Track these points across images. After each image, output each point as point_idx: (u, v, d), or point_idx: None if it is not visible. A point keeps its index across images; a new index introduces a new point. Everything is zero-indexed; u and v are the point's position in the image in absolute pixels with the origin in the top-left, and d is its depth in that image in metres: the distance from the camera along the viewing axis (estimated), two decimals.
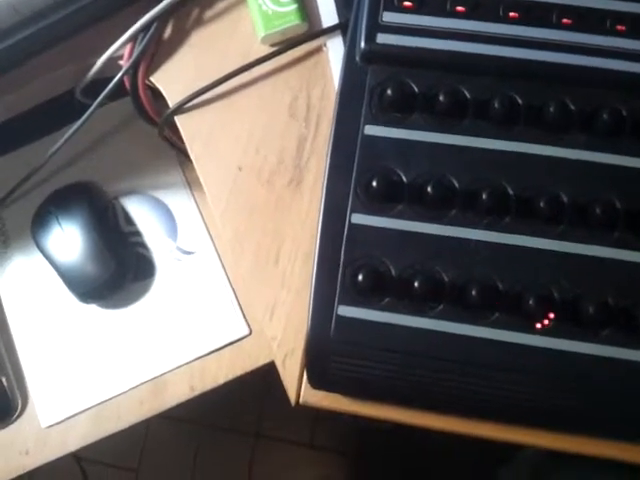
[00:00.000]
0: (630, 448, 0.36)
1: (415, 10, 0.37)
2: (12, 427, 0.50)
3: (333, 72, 0.43)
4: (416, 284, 0.35)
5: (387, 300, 0.35)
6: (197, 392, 0.50)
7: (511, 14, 0.36)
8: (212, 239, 0.53)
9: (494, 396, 0.35)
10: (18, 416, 0.50)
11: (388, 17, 0.37)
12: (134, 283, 0.53)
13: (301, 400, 0.39)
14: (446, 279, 0.35)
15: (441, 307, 0.35)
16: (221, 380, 0.49)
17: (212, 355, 0.50)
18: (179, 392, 0.50)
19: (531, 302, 0.34)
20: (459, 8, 0.37)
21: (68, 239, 0.51)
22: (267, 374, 0.49)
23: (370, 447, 1.00)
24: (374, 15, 0.37)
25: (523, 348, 0.34)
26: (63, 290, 0.51)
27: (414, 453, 0.96)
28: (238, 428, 1.05)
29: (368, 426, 0.90)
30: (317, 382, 0.37)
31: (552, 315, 0.34)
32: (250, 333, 0.50)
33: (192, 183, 0.54)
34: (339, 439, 1.03)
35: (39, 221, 0.53)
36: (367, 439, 1.01)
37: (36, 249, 0.52)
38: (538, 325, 0.35)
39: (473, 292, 0.34)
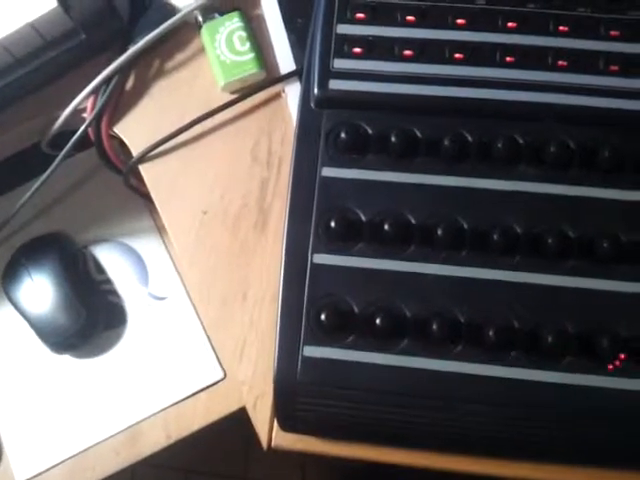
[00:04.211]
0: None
1: (364, 56, 0.38)
2: None
3: (292, 116, 0.44)
4: (379, 321, 0.35)
5: (351, 338, 0.36)
6: (173, 439, 0.49)
7: (456, 55, 0.38)
8: (183, 283, 0.53)
9: (462, 429, 0.35)
10: None
11: (339, 63, 0.39)
12: (106, 331, 0.53)
13: (273, 444, 0.39)
14: (408, 314, 0.36)
15: (405, 342, 0.36)
16: (196, 427, 0.49)
17: (187, 401, 0.50)
18: (155, 440, 0.49)
19: (491, 333, 0.35)
20: (407, 52, 0.38)
21: (39, 290, 0.51)
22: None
23: None
24: (325, 62, 0.38)
25: (487, 379, 0.35)
26: (35, 341, 0.51)
27: None
28: (226, 473, 1.03)
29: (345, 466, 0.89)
30: (287, 424, 0.37)
31: (514, 346, 0.35)
32: (225, 377, 0.50)
33: (162, 229, 0.54)
34: (330, 477, 1.01)
35: (10, 273, 0.53)
36: (358, 476, 0.99)
37: (7, 301, 0.52)
38: (502, 356, 0.35)
39: (435, 326, 0.35)
